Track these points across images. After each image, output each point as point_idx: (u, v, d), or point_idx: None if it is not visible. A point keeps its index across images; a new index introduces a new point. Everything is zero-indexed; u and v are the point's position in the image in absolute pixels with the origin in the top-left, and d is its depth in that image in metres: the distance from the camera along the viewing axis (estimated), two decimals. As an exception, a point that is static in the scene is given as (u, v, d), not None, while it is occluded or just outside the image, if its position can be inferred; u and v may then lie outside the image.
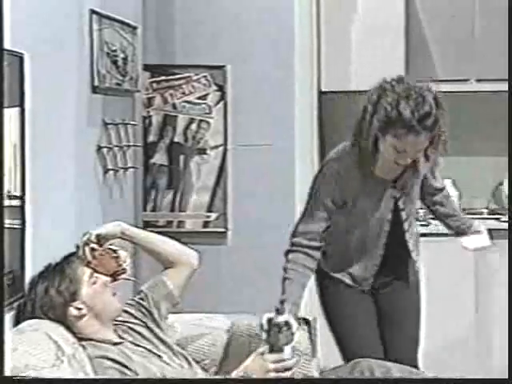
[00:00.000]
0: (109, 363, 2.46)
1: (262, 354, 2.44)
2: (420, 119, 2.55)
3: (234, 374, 2.43)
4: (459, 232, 3.00)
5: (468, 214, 4.25)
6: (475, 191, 4.35)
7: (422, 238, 4.03)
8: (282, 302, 2.68)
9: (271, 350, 2.46)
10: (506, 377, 1.90)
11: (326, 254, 2.83)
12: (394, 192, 2.76)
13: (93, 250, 2.57)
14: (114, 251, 2.60)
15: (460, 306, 4.04)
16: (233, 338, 2.85)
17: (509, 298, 2.30)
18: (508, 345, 2.26)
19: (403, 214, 2.80)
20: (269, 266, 3.76)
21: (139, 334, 2.62)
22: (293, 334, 2.51)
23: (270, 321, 2.53)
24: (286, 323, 2.51)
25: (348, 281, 2.83)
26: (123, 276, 2.62)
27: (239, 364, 2.61)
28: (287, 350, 2.47)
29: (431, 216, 4.18)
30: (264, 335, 2.51)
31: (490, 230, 4.01)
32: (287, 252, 2.78)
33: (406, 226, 2.83)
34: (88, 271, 2.55)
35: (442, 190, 3.01)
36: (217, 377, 2.40)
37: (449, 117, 2.65)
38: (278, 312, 2.53)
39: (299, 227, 2.77)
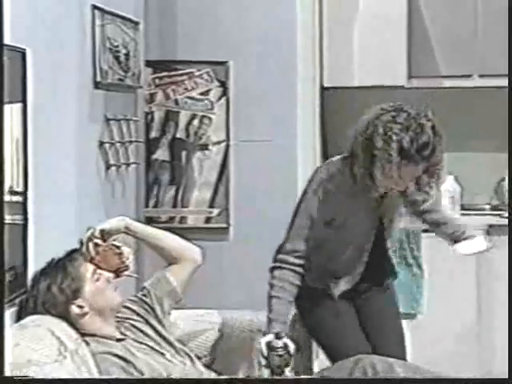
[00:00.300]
0: (112, 359, 2.46)
1: None
2: (419, 149, 2.58)
3: None
4: (453, 239, 2.98)
5: (470, 210, 4.27)
6: (477, 187, 4.34)
7: (424, 234, 4.07)
8: (270, 320, 2.69)
9: (272, 374, 2.49)
10: (507, 372, 1.90)
11: (309, 268, 2.80)
12: (380, 209, 2.78)
13: (96, 245, 2.57)
14: (118, 247, 2.60)
15: (461, 301, 4.03)
16: (235, 334, 2.85)
17: (509, 297, 2.30)
18: (508, 345, 2.26)
19: (386, 222, 2.82)
20: (270, 262, 3.77)
21: (141, 331, 2.62)
22: (291, 356, 2.55)
23: (268, 344, 2.54)
24: (285, 346, 2.53)
25: (334, 291, 2.81)
26: (126, 272, 2.62)
27: (241, 360, 2.62)
28: (287, 372, 2.50)
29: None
30: (263, 361, 2.54)
31: (491, 226, 4.05)
32: (273, 268, 2.80)
33: (386, 234, 2.85)
34: (91, 268, 2.55)
35: (426, 200, 3.00)
36: (221, 377, 2.40)
37: (445, 143, 2.66)
38: (277, 336, 2.56)
39: (286, 245, 2.77)
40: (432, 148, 2.60)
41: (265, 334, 2.58)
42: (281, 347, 2.54)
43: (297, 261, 2.73)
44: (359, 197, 2.70)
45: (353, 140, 2.70)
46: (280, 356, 2.53)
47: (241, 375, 2.70)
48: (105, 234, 2.61)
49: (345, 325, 2.83)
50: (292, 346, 2.58)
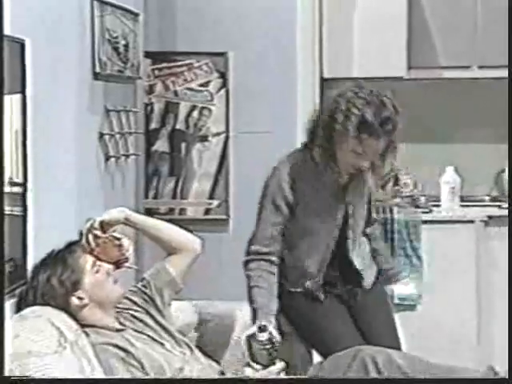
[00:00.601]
0: (112, 349, 2.46)
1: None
2: (382, 123, 2.62)
3: None
4: (388, 277, 2.97)
5: (470, 201, 4.27)
6: (477, 178, 4.34)
7: (424, 225, 4.07)
8: (254, 312, 2.68)
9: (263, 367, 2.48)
10: (507, 361, 1.91)
11: (284, 271, 2.80)
12: (345, 197, 2.78)
13: (96, 237, 2.56)
14: (118, 239, 2.59)
15: (460, 292, 4.04)
16: (236, 325, 2.85)
17: (509, 290, 2.30)
18: (508, 344, 2.26)
19: (350, 221, 2.81)
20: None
21: (141, 321, 2.62)
22: (276, 349, 2.53)
23: (250, 337, 2.54)
24: (269, 339, 2.52)
25: (316, 293, 2.80)
26: (126, 264, 2.62)
27: (241, 351, 2.62)
28: (277, 365, 2.49)
29: (433, 203, 4.21)
30: (247, 354, 2.53)
31: (491, 217, 4.05)
32: (246, 262, 2.80)
33: (350, 234, 2.82)
34: (90, 260, 2.54)
35: (374, 222, 3.01)
36: (222, 377, 2.40)
37: (403, 123, 2.68)
38: (261, 329, 2.54)
39: (257, 235, 2.77)
40: (393, 123, 2.64)
41: (261, 329, 2.57)
42: (265, 340, 2.52)
43: (269, 249, 2.75)
44: (322, 181, 2.72)
45: (313, 120, 2.72)
46: (265, 349, 2.51)
47: (240, 367, 2.69)
48: (104, 225, 2.60)
49: (335, 322, 2.80)
50: (278, 338, 2.57)
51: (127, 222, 2.65)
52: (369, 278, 2.87)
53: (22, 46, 2.53)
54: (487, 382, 2.17)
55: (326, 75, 4.20)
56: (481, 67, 4.16)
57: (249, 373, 2.48)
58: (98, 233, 2.57)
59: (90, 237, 2.56)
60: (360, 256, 2.86)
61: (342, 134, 2.62)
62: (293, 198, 2.73)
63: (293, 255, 2.79)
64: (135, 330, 2.57)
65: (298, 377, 2.31)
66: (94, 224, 2.58)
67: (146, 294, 2.67)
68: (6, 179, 2.47)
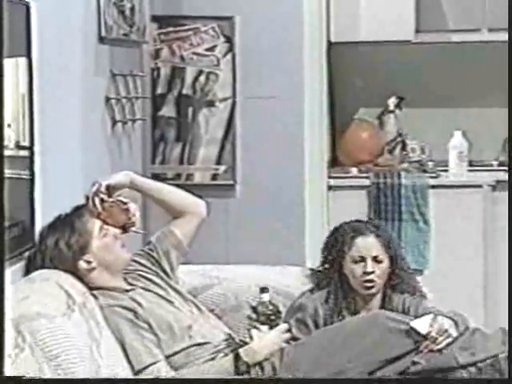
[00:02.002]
0: (120, 312, 2.47)
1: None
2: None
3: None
4: None
5: (477, 165, 4.26)
6: (485, 143, 4.32)
7: (432, 190, 4.06)
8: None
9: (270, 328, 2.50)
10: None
11: None
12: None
13: (102, 201, 2.56)
14: (124, 203, 2.59)
15: (468, 257, 4.04)
16: (242, 289, 2.86)
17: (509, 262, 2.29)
18: (508, 343, 2.26)
19: None
20: (277, 219, 3.78)
21: (150, 280, 2.63)
22: (279, 310, 2.54)
23: (254, 309, 2.55)
24: (271, 300, 2.53)
25: None
26: (132, 229, 2.62)
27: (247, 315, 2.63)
28: (281, 325, 2.50)
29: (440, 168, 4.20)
30: (253, 315, 2.53)
31: (498, 182, 4.04)
32: None
33: None
34: (98, 224, 2.54)
35: None
36: (223, 377, 2.40)
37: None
38: (262, 290, 2.55)
39: None
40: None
41: (263, 290, 2.58)
42: (268, 301, 2.53)
43: None
44: None
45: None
46: (268, 310, 2.52)
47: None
48: (110, 189, 2.60)
49: None
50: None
51: (132, 185, 2.66)
52: None
53: (28, 8, 2.51)
54: (487, 382, 2.18)
55: (333, 39, 4.16)
56: (491, 30, 4.11)
57: (254, 335, 2.49)
58: (105, 197, 2.56)
59: (97, 200, 2.56)
60: None
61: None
62: None
63: None
64: (143, 288, 2.59)
65: (298, 377, 2.31)
66: (100, 188, 2.57)
67: (152, 257, 2.68)
68: (13, 143, 2.47)
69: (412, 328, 2.43)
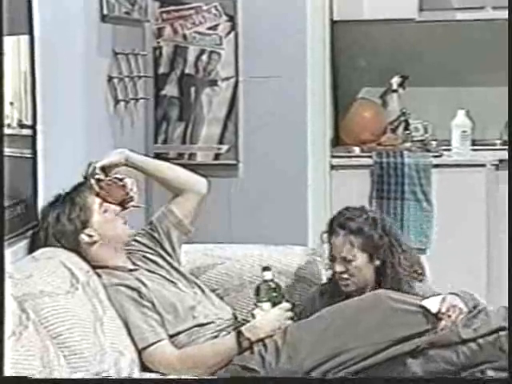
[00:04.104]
0: (124, 291, 2.47)
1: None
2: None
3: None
4: None
5: (481, 144, 4.25)
6: (488, 122, 4.30)
7: (435, 169, 4.05)
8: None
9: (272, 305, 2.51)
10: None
11: None
12: None
13: (99, 180, 2.57)
14: (120, 180, 2.60)
15: (471, 236, 4.04)
16: (245, 268, 2.86)
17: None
18: (508, 342, 2.25)
19: None
20: (279, 198, 3.77)
21: (153, 262, 2.63)
22: (281, 289, 2.55)
23: (257, 288, 2.55)
24: (274, 279, 2.53)
25: None
26: (132, 203, 2.62)
27: (251, 294, 2.63)
28: (283, 304, 2.51)
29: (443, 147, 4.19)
30: (255, 295, 2.54)
31: (501, 161, 4.02)
32: None
33: None
34: (98, 200, 2.56)
35: None
36: (220, 377, 2.41)
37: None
38: (265, 269, 2.55)
39: None
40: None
41: (265, 268, 2.58)
42: (270, 279, 2.54)
43: None
44: None
45: None
46: (271, 288, 2.53)
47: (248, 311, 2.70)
48: (106, 169, 2.61)
49: None
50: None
51: (128, 163, 2.65)
52: None
53: (29, -15, 2.49)
54: (487, 381, 2.18)
55: (336, 18, 4.14)
56: (495, 8, 4.08)
57: (257, 313, 2.49)
58: (101, 176, 2.57)
59: (93, 181, 2.57)
60: None
61: None
62: None
63: None
64: (147, 270, 2.59)
65: (298, 377, 2.31)
66: (95, 169, 2.58)
67: (153, 237, 2.68)
68: (16, 121, 2.46)
69: (422, 307, 2.41)
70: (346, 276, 2.63)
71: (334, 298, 2.66)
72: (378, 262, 2.66)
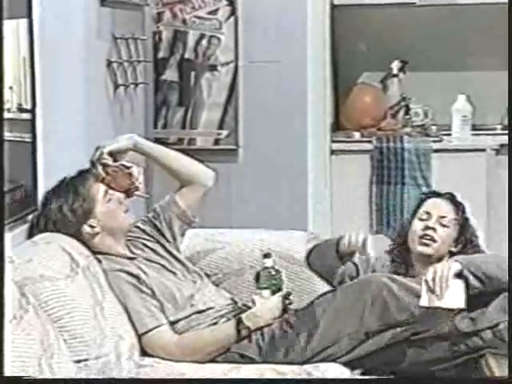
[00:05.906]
0: (124, 276, 2.47)
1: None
2: None
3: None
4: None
5: (481, 129, 4.24)
6: (489, 106, 4.29)
7: (435, 154, 4.05)
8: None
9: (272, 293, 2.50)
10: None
11: None
12: None
13: (106, 166, 2.55)
14: (128, 167, 2.57)
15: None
16: (245, 253, 2.86)
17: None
18: (508, 344, 2.24)
19: None
20: (279, 183, 3.77)
21: (153, 250, 2.62)
22: (281, 276, 2.54)
23: (257, 274, 2.55)
24: (274, 266, 2.53)
25: None
26: (136, 193, 2.61)
27: (252, 279, 2.63)
28: (283, 291, 2.50)
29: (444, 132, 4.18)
30: (255, 282, 2.54)
31: (502, 146, 4.02)
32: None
33: None
34: (102, 189, 2.52)
35: None
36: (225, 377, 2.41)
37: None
38: (266, 256, 2.54)
39: None
40: None
41: (266, 255, 2.58)
42: (270, 266, 2.53)
43: None
44: None
45: None
46: (271, 275, 2.52)
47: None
48: (114, 154, 2.57)
49: None
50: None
51: (137, 148, 2.62)
52: None
53: (28, -31, 2.48)
54: (487, 381, 2.18)
55: (337, 2, 4.12)
56: (494, -9, 4.07)
57: (257, 300, 2.49)
58: (108, 161, 2.55)
59: (100, 166, 2.54)
60: None
61: None
62: None
63: None
64: (147, 259, 2.58)
65: (298, 377, 2.31)
66: (102, 154, 2.55)
67: (155, 225, 2.67)
68: (15, 105, 2.46)
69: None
70: (433, 234, 2.61)
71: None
72: (457, 249, 2.65)
